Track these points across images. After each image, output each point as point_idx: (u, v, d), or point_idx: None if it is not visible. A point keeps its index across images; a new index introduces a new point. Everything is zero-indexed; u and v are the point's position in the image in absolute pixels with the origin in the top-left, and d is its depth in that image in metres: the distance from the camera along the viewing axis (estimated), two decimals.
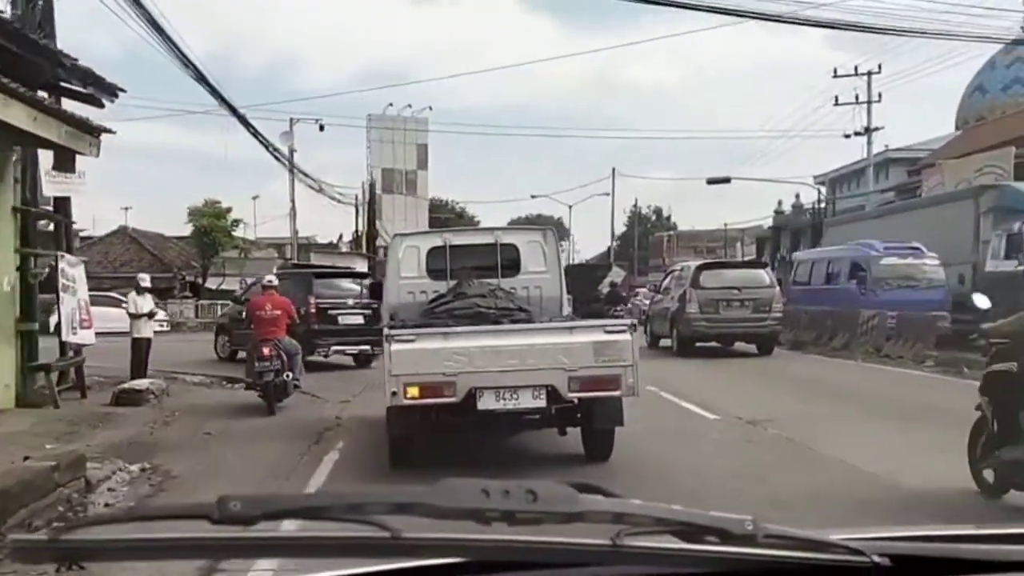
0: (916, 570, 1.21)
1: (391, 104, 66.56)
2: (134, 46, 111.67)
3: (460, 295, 9.58)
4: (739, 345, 21.37)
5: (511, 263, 10.26)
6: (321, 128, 46.20)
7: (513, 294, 9.84)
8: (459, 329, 8.28)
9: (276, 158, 38.83)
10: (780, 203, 47.09)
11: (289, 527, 1.16)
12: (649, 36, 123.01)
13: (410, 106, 66.64)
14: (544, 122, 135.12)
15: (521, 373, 7.82)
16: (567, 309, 10.61)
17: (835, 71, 38.71)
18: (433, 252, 10.22)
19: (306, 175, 45.55)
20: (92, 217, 57.45)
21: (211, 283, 47.39)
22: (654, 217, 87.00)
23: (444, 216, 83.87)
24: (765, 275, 22.14)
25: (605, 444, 8.55)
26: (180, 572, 4.70)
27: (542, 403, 7.92)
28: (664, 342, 22.48)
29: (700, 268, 22.15)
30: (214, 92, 22.93)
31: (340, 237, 60.05)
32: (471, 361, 7.75)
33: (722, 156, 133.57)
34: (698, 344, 20.96)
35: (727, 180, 37.52)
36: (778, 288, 21.99)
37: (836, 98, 39.27)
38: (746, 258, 43.57)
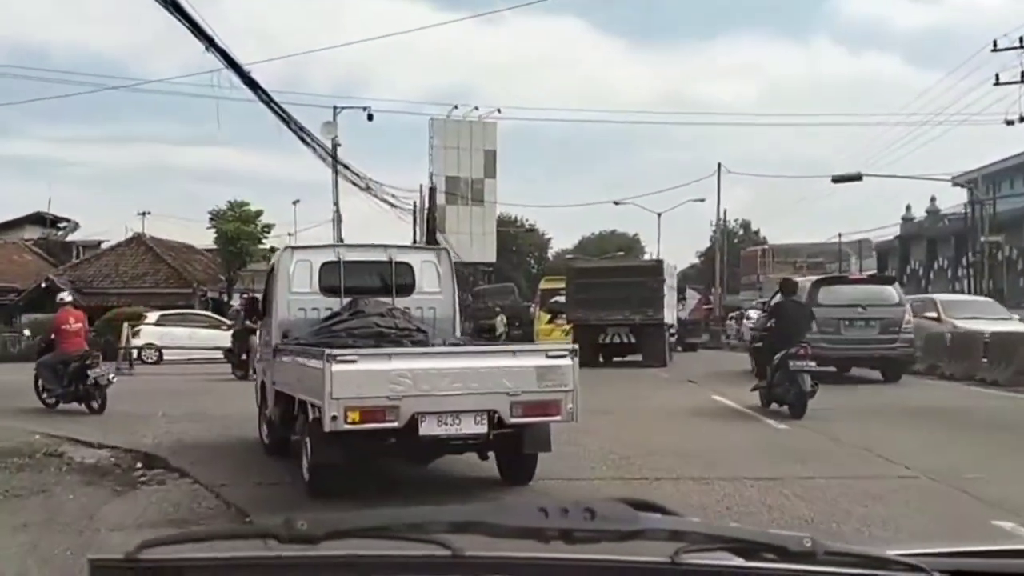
0: None
1: (455, 107, 67.00)
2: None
3: (358, 313, 10.03)
4: (855, 371, 20.94)
5: (405, 283, 10.91)
6: (370, 117, 44.31)
7: (408, 314, 10.36)
8: (402, 350, 8.79)
9: (312, 148, 36.53)
10: (909, 208, 45.13)
11: (355, 546, 1.32)
12: (726, 54, 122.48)
13: (476, 108, 66.98)
14: (616, 138, 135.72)
15: (464, 397, 8.17)
16: (459, 331, 11.28)
17: (995, 44, 33.81)
18: (326, 267, 10.76)
19: (347, 168, 41.72)
20: (124, 225, 56.36)
21: (237, 301, 43.78)
22: (741, 231, 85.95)
23: (513, 231, 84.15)
24: (893, 291, 21.67)
25: (529, 469, 9.02)
26: None
27: (483, 428, 8.26)
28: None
29: (818, 283, 21.84)
30: (227, 59, 22.75)
31: None
32: (415, 384, 8.02)
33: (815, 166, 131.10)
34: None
35: (857, 177, 34.95)
36: (908, 306, 21.43)
37: (996, 77, 34.14)
38: (866, 273, 40.70)
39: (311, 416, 8.53)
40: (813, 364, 14.27)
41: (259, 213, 41.83)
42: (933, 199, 42.64)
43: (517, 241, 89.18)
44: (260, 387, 11.74)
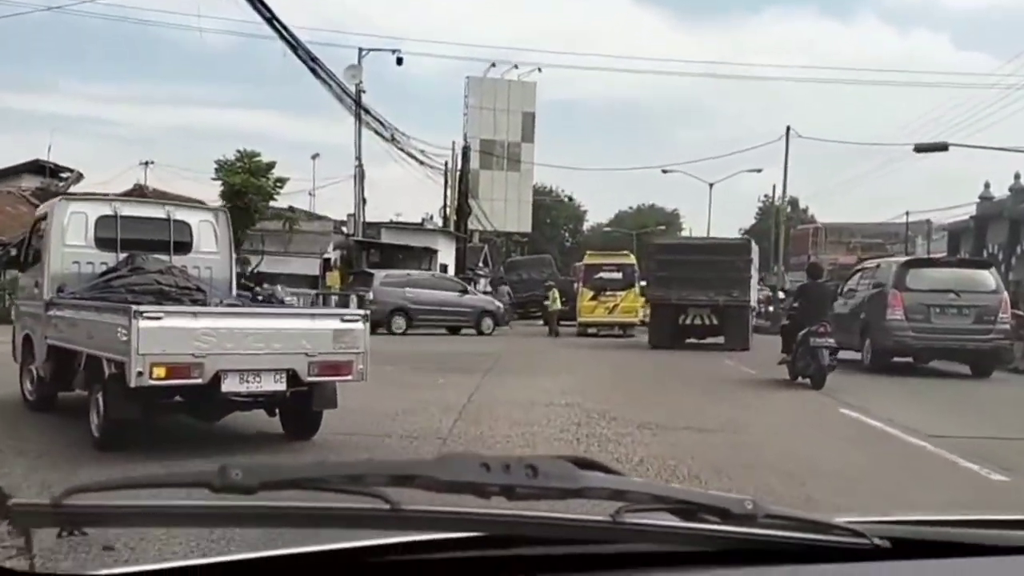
0: (916, 553, 1.34)
1: (493, 64, 66.51)
2: None
3: (137, 270, 10.50)
4: (936, 363, 20.63)
5: (183, 241, 11.52)
6: (399, 61, 43.55)
7: (187, 272, 10.98)
8: (208, 309, 9.62)
9: (336, 94, 36.52)
10: (987, 186, 44.04)
11: (289, 497, 1.33)
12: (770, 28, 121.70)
13: (516, 67, 66.39)
14: (655, 115, 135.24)
15: (266, 356, 8.91)
16: (235, 291, 11.93)
17: None
18: (102, 221, 11.12)
19: (368, 112, 41.24)
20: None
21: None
22: (789, 209, 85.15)
23: (549, 201, 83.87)
24: (990, 277, 20.86)
25: (315, 424, 9.89)
26: (178, 539, 5.15)
27: (282, 386, 9.06)
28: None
29: (906, 265, 21.38)
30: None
31: (430, 216, 57.41)
32: (219, 343, 8.65)
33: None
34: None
35: (943, 147, 32.34)
36: (1006, 294, 20.87)
37: None
38: (934, 255, 39.95)
39: (107, 372, 8.96)
40: (831, 341, 16.32)
41: (271, 165, 37.86)
42: (1018, 176, 41.40)
43: (551, 213, 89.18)
44: (24, 340, 11.86)
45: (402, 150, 45.42)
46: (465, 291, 35.60)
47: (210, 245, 11.67)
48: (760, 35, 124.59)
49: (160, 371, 8.33)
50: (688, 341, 28.37)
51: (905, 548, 1.34)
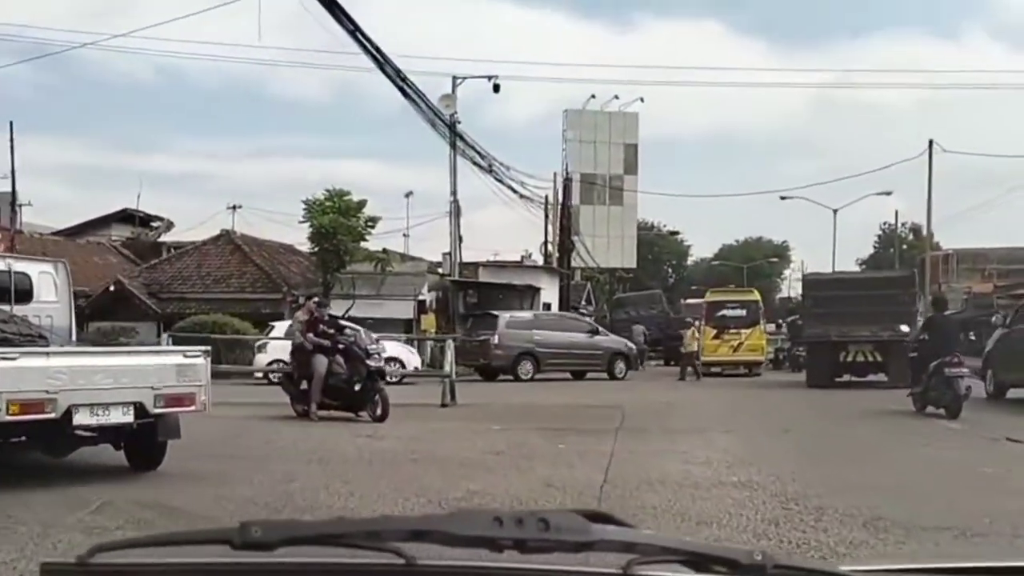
0: None
1: (593, 96, 66.47)
2: None
3: None
4: None
5: (24, 291, 13.04)
6: (496, 88, 42.52)
7: (28, 321, 11.91)
8: (59, 350, 10.91)
9: (428, 119, 35.95)
10: None
11: (309, 553, 1.40)
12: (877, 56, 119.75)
13: (617, 97, 66.30)
14: (755, 148, 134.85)
15: (114, 391, 9.97)
16: (74, 337, 13.30)
17: None
18: None
19: (463, 138, 40.52)
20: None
21: (336, 308, 35.47)
22: (910, 236, 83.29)
23: (652, 236, 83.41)
24: None
25: (160, 455, 10.87)
26: None
27: (130, 418, 10.11)
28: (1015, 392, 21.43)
29: None
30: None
31: (528, 254, 57.36)
32: (71, 379, 9.62)
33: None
34: None
35: None
36: None
37: None
38: None
39: None
40: (966, 371, 17.58)
41: (362, 204, 37.07)
42: None
43: (653, 249, 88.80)
44: None
45: (500, 181, 44.97)
46: (596, 331, 34.80)
47: (50, 295, 13.42)
48: (865, 57, 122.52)
49: (15, 407, 9.24)
50: (842, 379, 27.84)
51: None
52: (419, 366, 30.67)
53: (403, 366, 28.65)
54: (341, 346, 15.39)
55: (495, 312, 34.00)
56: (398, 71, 31.88)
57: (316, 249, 37.57)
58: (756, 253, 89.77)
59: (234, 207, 51.30)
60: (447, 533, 1.33)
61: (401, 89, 32.68)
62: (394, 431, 15.14)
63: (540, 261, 54.23)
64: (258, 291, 38.85)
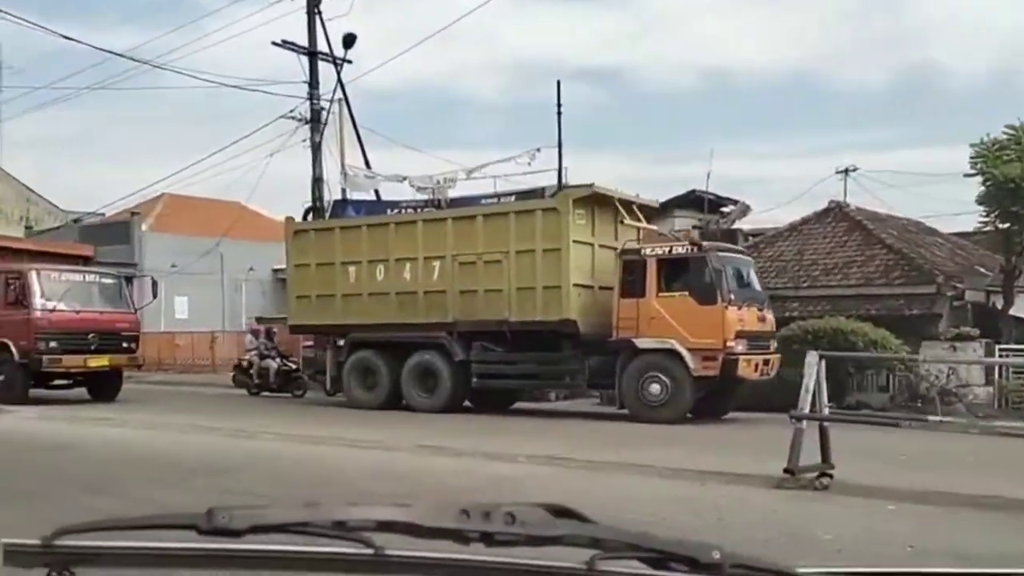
0: None
1: None
2: None
3: None
4: None
5: None
6: None
7: None
8: None
9: None
10: None
11: (276, 540, 1.44)
12: None
13: None
14: None
15: None
16: None
17: None
18: None
19: None
20: None
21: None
22: None
23: None
24: None
25: None
26: None
27: None
28: None
29: None
30: None
31: None
32: None
33: None
34: None
35: None
36: None
37: None
38: None
39: None
40: None
41: None
42: None
43: None
44: None
45: None
46: None
47: None
48: None
49: None
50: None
51: None
52: None
53: None
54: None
55: None
56: None
57: (989, 217, 25.44)
58: None
59: (845, 171, 39.26)
60: (415, 524, 1.38)
61: None
62: None
63: None
64: (896, 283, 27.06)
